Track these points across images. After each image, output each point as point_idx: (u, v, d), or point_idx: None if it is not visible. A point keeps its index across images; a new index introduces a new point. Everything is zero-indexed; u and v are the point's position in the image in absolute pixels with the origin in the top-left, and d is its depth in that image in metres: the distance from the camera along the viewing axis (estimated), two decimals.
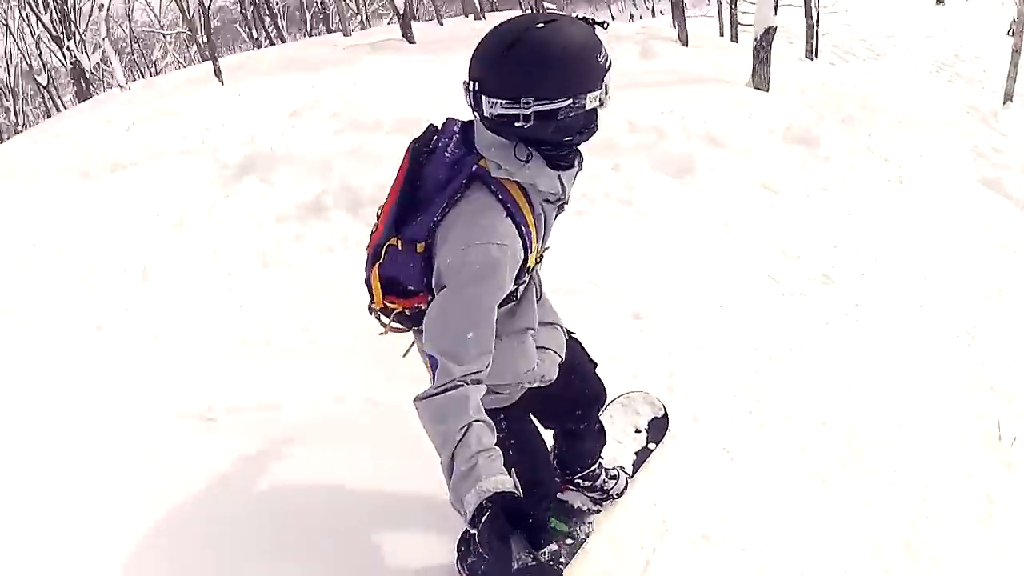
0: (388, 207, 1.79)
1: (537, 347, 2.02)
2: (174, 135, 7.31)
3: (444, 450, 1.51)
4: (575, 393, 2.30)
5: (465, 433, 1.49)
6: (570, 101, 1.56)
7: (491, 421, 1.56)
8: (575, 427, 2.46)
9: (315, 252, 4.58)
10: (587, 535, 2.55)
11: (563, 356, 2.14)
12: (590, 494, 2.66)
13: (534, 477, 2.08)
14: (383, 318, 1.90)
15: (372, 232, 1.87)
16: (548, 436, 2.50)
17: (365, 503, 2.70)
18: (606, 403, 2.53)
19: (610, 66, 1.61)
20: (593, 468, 2.61)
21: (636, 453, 2.83)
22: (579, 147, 1.75)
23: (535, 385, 2.05)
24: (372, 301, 1.87)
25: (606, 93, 1.61)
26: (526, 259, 1.71)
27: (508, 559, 1.37)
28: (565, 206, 1.82)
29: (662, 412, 2.96)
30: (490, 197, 1.65)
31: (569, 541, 2.53)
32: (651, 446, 2.86)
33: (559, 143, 1.67)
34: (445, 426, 1.52)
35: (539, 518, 1.46)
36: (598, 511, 2.63)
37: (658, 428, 2.92)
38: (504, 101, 1.55)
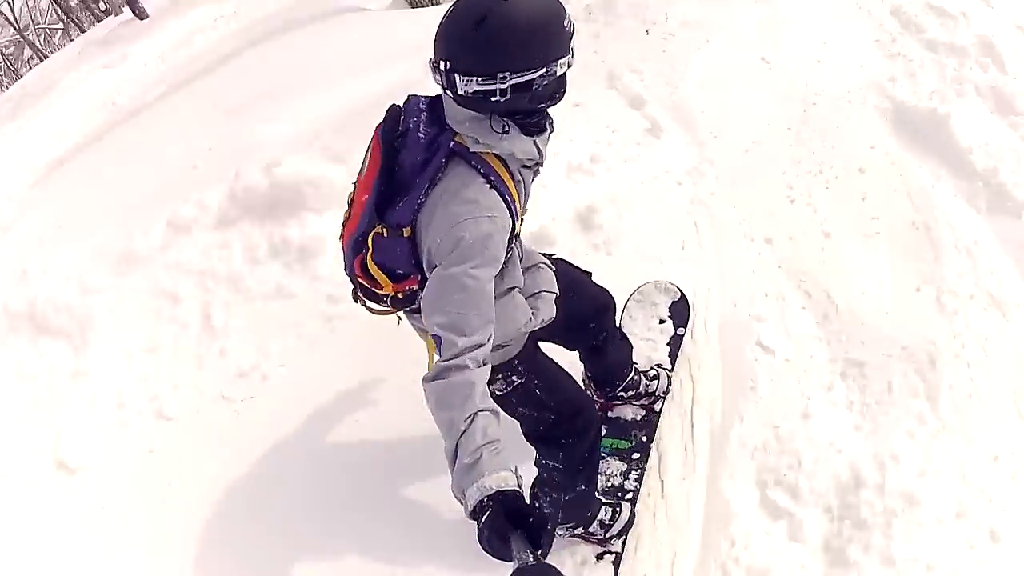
0: (362, 195, 1.77)
1: (529, 296, 2.02)
2: None
3: (449, 438, 1.51)
4: (581, 309, 2.28)
5: (470, 423, 1.49)
6: (544, 70, 1.58)
7: (498, 409, 1.56)
8: (595, 341, 2.43)
9: None
10: (651, 444, 2.56)
11: (556, 290, 2.12)
12: (638, 403, 2.66)
13: (572, 407, 2.13)
14: (369, 303, 1.92)
15: (345, 222, 1.85)
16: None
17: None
18: (617, 307, 2.49)
19: (574, 30, 1.62)
20: (631, 376, 2.60)
21: (668, 344, 2.79)
22: (551, 108, 1.75)
23: (538, 327, 2.05)
24: (356, 289, 1.91)
25: (572, 55, 1.63)
26: (514, 227, 1.73)
27: (508, 559, 1.36)
28: (540, 168, 1.83)
29: (679, 295, 2.89)
30: (471, 172, 1.66)
31: (636, 455, 2.54)
32: (680, 331, 2.82)
33: (533, 111, 1.69)
34: (450, 414, 1.51)
35: (539, 517, 1.40)
36: (654, 416, 2.63)
37: (680, 312, 2.86)
38: (480, 78, 1.56)
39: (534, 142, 1.73)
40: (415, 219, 1.69)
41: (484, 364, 1.59)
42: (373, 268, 1.78)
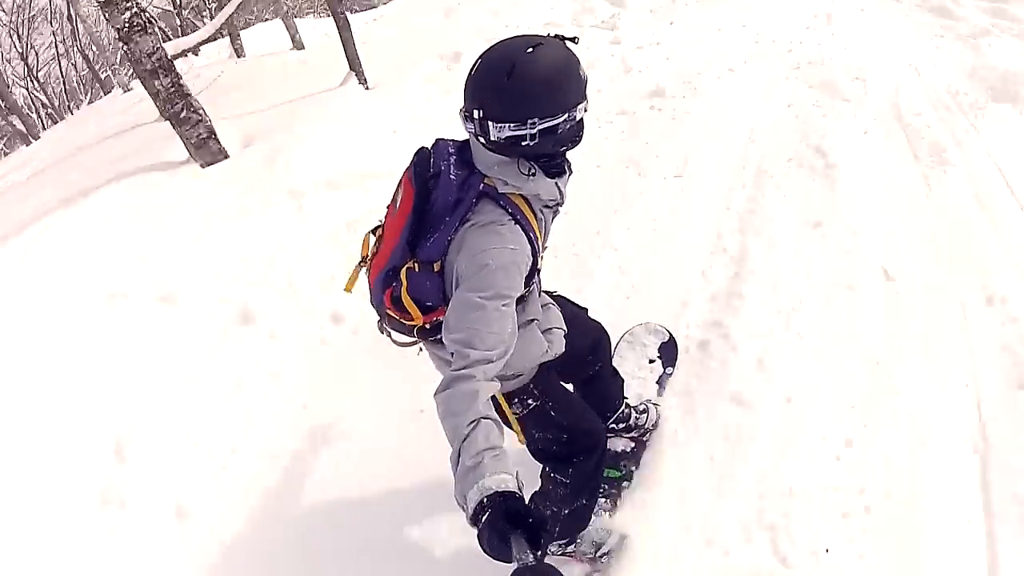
0: (395, 232, 1.91)
1: (543, 330, 2.16)
2: None
3: (453, 444, 1.58)
4: (579, 342, 2.40)
5: (473, 429, 1.55)
6: (566, 115, 1.74)
7: (499, 420, 1.63)
8: (591, 371, 2.59)
9: None
10: (637, 467, 2.75)
11: (565, 327, 2.28)
12: (627, 435, 2.82)
13: (583, 426, 2.27)
14: (394, 335, 2.07)
15: (372, 257, 2.01)
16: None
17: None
18: (610, 344, 2.67)
19: (587, 77, 1.78)
20: (621, 409, 2.76)
21: (657, 382, 2.97)
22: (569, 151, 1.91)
23: (551, 359, 2.21)
24: (382, 320, 2.05)
25: (587, 101, 1.79)
26: (535, 262, 1.87)
27: (508, 559, 1.39)
28: (560, 208, 1.98)
29: (667, 336, 3.09)
30: (499, 210, 1.80)
31: (625, 484, 2.71)
32: (668, 370, 3.00)
33: (556, 154, 1.85)
34: (455, 420, 1.58)
35: (539, 517, 1.45)
36: (642, 447, 2.81)
37: (669, 352, 3.05)
38: (511, 124, 1.71)
39: (556, 184, 1.89)
40: (445, 254, 1.82)
41: (492, 379, 1.67)
42: (407, 300, 1.90)
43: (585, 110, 1.79)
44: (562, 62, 1.73)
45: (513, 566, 1.37)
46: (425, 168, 1.90)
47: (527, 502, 1.63)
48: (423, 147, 1.95)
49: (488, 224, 1.77)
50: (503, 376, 1.94)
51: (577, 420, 2.26)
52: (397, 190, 1.95)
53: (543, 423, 2.21)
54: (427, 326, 1.94)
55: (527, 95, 1.70)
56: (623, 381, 2.78)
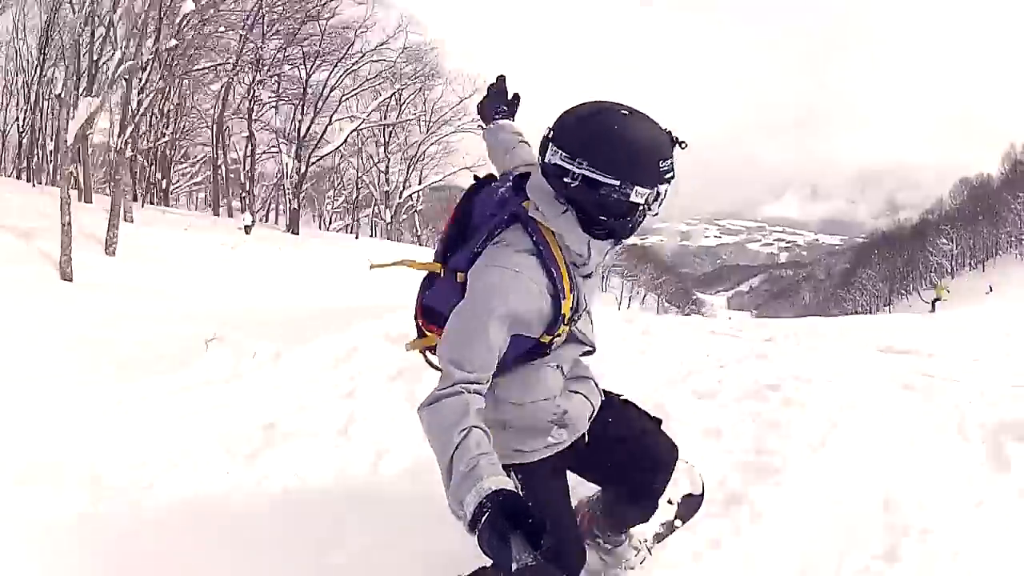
0: (440, 240, 1.96)
1: (570, 389, 2.01)
2: None
3: (443, 455, 1.53)
4: (632, 455, 2.18)
5: (464, 437, 1.52)
6: (617, 183, 1.66)
7: (490, 431, 1.57)
8: (632, 490, 2.28)
9: None
10: None
11: (595, 406, 2.08)
12: (604, 556, 2.52)
13: (562, 542, 1.93)
14: (423, 350, 2.04)
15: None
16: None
17: None
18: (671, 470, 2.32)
19: (670, 179, 1.71)
20: (621, 535, 2.47)
21: (661, 525, 2.70)
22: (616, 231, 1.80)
23: (564, 443, 2.00)
24: (419, 329, 2.04)
25: (656, 200, 1.71)
26: (559, 306, 1.76)
27: (508, 559, 1.36)
28: (591, 274, 1.88)
29: (700, 490, 2.83)
30: (525, 237, 1.77)
31: None
32: (678, 523, 2.73)
33: (594, 217, 1.75)
34: (444, 432, 1.55)
35: (538, 519, 1.37)
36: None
37: (690, 506, 2.79)
38: (563, 154, 1.68)
39: (588, 243, 1.79)
40: (469, 266, 1.78)
41: (479, 394, 1.63)
42: (418, 304, 1.96)
43: (647, 203, 1.70)
44: (643, 137, 1.68)
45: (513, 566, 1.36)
46: (484, 184, 1.95)
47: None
48: (490, 175, 2.02)
49: (507, 245, 1.76)
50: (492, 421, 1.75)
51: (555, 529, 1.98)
52: None
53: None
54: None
55: (590, 136, 1.67)
56: (648, 520, 2.43)
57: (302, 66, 21.94)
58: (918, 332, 7.03)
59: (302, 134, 20.42)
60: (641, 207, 1.71)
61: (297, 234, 18.68)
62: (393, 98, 28.33)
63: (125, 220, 13.53)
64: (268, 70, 20.64)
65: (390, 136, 30.13)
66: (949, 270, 58.61)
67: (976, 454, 3.16)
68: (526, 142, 2.30)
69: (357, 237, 22.61)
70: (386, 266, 2.12)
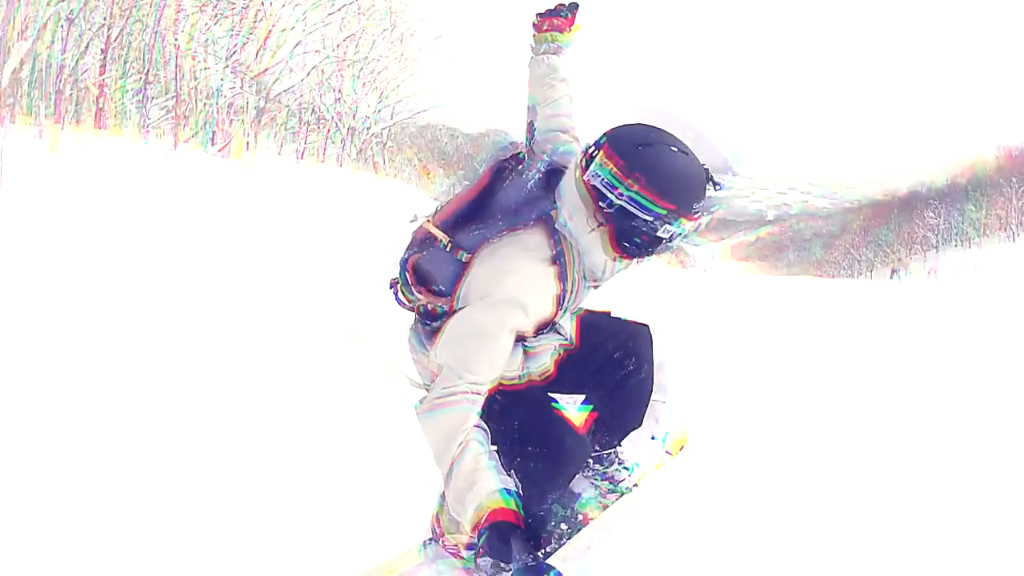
0: (454, 206, 1.90)
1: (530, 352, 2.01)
2: None
3: (441, 463, 1.59)
4: (608, 340, 2.19)
5: (463, 451, 1.56)
6: (651, 219, 1.69)
7: (485, 427, 1.63)
8: (622, 373, 2.25)
9: None
10: (579, 528, 2.42)
11: (568, 339, 2.06)
12: (596, 481, 2.56)
13: (559, 439, 2.00)
14: (401, 296, 2.00)
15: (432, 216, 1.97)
16: None
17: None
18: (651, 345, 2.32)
19: (700, 224, 1.75)
20: (610, 451, 2.49)
21: (650, 457, 2.82)
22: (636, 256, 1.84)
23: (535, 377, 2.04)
24: (399, 283, 1.98)
25: (682, 237, 1.76)
26: (557, 312, 1.81)
27: (508, 559, 1.40)
28: (598, 287, 1.94)
29: (683, 426, 2.95)
30: (547, 242, 1.77)
31: (563, 526, 2.40)
32: (666, 456, 2.86)
33: (619, 241, 1.78)
34: (444, 442, 1.58)
35: (538, 518, 1.52)
36: (599, 507, 2.53)
37: (676, 442, 2.91)
38: (605, 179, 1.69)
39: (607, 261, 1.83)
40: (478, 251, 1.78)
41: (480, 397, 1.67)
42: (410, 265, 1.89)
43: (672, 239, 1.74)
44: (687, 181, 1.71)
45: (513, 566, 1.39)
46: (510, 166, 1.89)
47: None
48: (517, 155, 1.96)
49: (530, 249, 1.75)
50: None
51: (549, 430, 2.01)
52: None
53: (500, 418, 1.90)
54: (430, 307, 1.88)
55: (638, 167, 1.67)
56: (640, 423, 2.46)
57: None
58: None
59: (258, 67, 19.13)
60: (664, 241, 1.75)
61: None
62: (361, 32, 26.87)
63: None
64: None
65: (360, 70, 28.61)
66: (935, 244, 58.90)
67: None
68: (568, 95, 2.25)
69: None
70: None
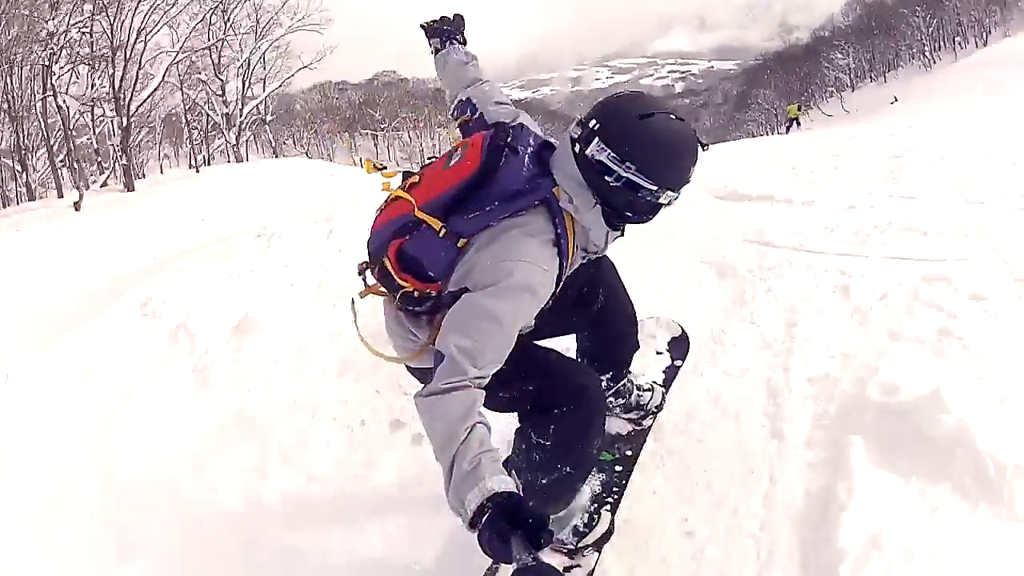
0: (442, 185, 1.82)
1: None
2: None
3: (445, 451, 1.54)
4: (572, 280, 2.07)
5: (468, 434, 1.53)
6: (655, 187, 1.72)
7: (489, 422, 1.59)
8: (596, 306, 2.29)
9: None
10: (634, 460, 2.44)
11: None
12: (626, 415, 2.57)
13: (568, 376, 2.01)
14: (371, 282, 1.97)
15: (392, 200, 1.91)
16: None
17: None
18: (616, 273, 2.38)
19: (691, 180, 1.77)
20: (624, 382, 2.50)
21: (664, 371, 2.74)
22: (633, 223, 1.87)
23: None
24: (371, 267, 1.93)
25: (677, 197, 1.77)
26: (554, 292, 1.78)
27: (508, 559, 1.38)
28: (592, 258, 1.95)
29: (680, 331, 2.87)
30: (549, 224, 1.75)
31: (618, 468, 2.42)
32: (677, 363, 2.78)
33: (620, 212, 1.80)
34: (448, 425, 1.55)
35: (539, 518, 1.39)
36: (641, 432, 2.54)
37: (679, 346, 2.83)
38: (612, 153, 1.70)
39: (607, 233, 1.84)
40: (476, 236, 1.74)
41: (483, 392, 1.63)
42: (393, 252, 1.85)
43: (668, 203, 1.77)
44: (687, 146, 1.73)
45: (513, 566, 1.37)
46: (499, 148, 1.81)
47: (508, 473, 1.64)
48: (504, 123, 1.90)
49: (534, 235, 1.72)
50: None
51: (558, 369, 2.04)
52: (458, 150, 1.87)
53: (511, 381, 1.84)
54: (416, 293, 1.84)
55: (643, 144, 1.70)
56: (637, 345, 2.51)
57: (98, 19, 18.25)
58: None
59: (117, 87, 17.69)
60: (664, 205, 1.77)
61: (133, 190, 16.60)
62: (217, 15, 24.68)
63: None
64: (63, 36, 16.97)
65: (220, 55, 26.61)
66: (849, 83, 59.54)
67: None
68: (476, 66, 2.32)
69: (198, 171, 20.21)
70: (385, 176, 2.03)
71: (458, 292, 1.73)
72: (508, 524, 1.40)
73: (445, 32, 2.37)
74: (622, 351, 2.47)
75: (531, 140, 1.85)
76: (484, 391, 1.63)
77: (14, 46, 16.95)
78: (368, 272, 1.97)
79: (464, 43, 2.38)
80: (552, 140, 1.91)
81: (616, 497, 2.32)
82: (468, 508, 1.45)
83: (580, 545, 2.18)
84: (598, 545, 2.18)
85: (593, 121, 1.72)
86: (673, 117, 1.72)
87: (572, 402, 1.94)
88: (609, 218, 1.80)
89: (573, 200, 1.75)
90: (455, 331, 1.64)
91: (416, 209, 1.82)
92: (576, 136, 1.75)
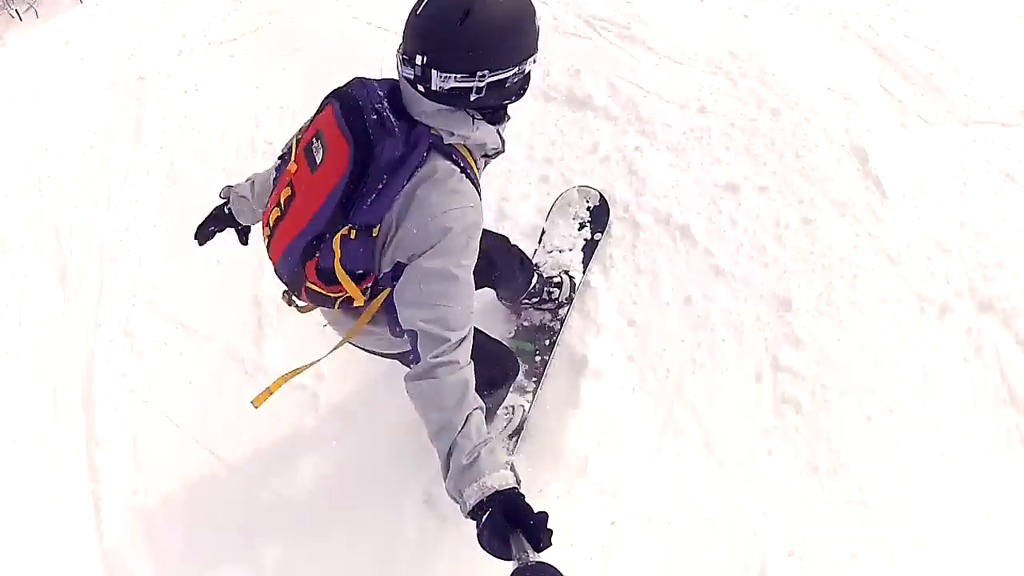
0: (320, 191, 1.63)
1: None
2: None
3: (440, 439, 1.51)
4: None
5: (465, 423, 1.50)
6: (517, 68, 1.59)
7: (484, 405, 1.57)
8: (492, 277, 2.41)
9: None
10: (552, 348, 2.70)
11: None
12: (542, 307, 2.77)
13: (500, 366, 2.26)
14: (299, 302, 1.89)
15: (276, 221, 1.74)
16: None
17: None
18: (507, 246, 2.49)
19: (539, 26, 1.63)
20: (533, 285, 2.65)
21: (583, 251, 2.85)
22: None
23: None
24: (292, 292, 1.85)
25: (538, 52, 1.64)
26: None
27: (508, 559, 1.37)
28: (499, 155, 1.84)
29: (598, 199, 2.89)
30: (449, 164, 1.62)
31: (537, 358, 2.70)
32: (596, 236, 2.87)
33: (499, 106, 1.70)
34: (443, 415, 1.51)
35: (539, 518, 1.40)
36: (558, 322, 2.76)
37: (599, 216, 2.88)
38: (458, 76, 1.54)
39: (497, 131, 1.74)
40: (387, 215, 1.61)
41: (470, 361, 1.59)
42: (342, 273, 1.68)
43: (535, 61, 1.64)
44: (519, 10, 1.57)
45: (513, 565, 1.35)
46: (358, 117, 1.61)
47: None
48: (343, 90, 1.68)
49: (444, 180, 1.60)
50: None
51: (493, 360, 2.18)
52: (314, 140, 1.67)
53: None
54: (348, 296, 1.76)
55: (480, 46, 1.53)
56: (533, 269, 2.65)
57: None
58: None
59: None
60: (532, 67, 1.66)
61: None
62: None
63: None
64: None
65: None
66: None
67: None
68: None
69: None
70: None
71: (396, 267, 1.66)
72: (508, 523, 1.39)
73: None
74: (520, 292, 2.63)
75: (379, 92, 1.66)
76: (469, 348, 1.60)
77: None
78: (294, 297, 1.90)
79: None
80: (393, 78, 1.73)
81: (535, 387, 2.63)
82: (466, 502, 1.44)
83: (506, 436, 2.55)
84: (514, 435, 2.56)
85: (418, 56, 1.54)
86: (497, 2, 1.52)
87: (502, 382, 2.26)
88: (491, 118, 1.71)
89: (454, 132, 1.64)
90: (413, 306, 1.58)
91: (307, 224, 1.69)
92: (411, 77, 1.58)
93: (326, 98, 1.70)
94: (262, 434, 2.83)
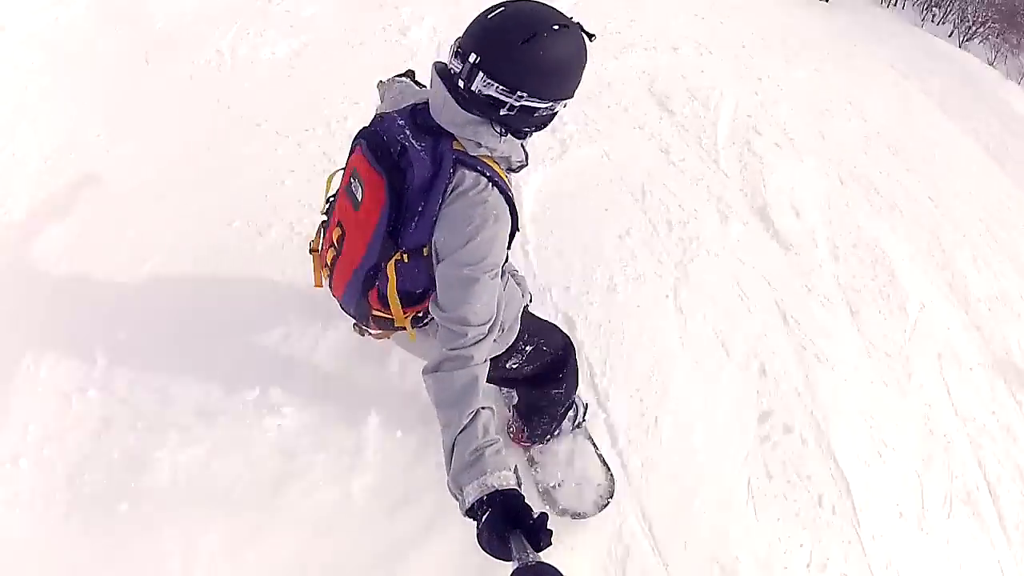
0: (367, 228, 1.75)
1: (516, 280, 2.23)
2: None
3: (447, 432, 1.53)
4: (537, 347, 2.28)
5: (471, 420, 1.51)
6: (550, 104, 1.68)
7: (494, 408, 1.58)
8: (542, 377, 2.38)
9: None
10: None
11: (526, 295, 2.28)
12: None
13: (562, 340, 2.34)
14: (370, 331, 2.03)
15: (331, 260, 1.89)
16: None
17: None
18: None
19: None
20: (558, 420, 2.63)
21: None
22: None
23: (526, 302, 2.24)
24: (360, 323, 2.00)
25: (573, 98, 1.74)
26: (515, 223, 1.76)
27: (508, 559, 1.37)
28: (523, 169, 1.88)
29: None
30: (477, 175, 1.68)
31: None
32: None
33: (519, 130, 1.76)
34: (452, 409, 1.53)
35: (539, 519, 1.39)
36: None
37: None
38: (500, 86, 1.61)
39: (522, 145, 1.82)
40: (431, 237, 1.70)
41: (486, 360, 1.63)
42: (392, 295, 1.78)
43: (565, 106, 1.73)
44: (576, 56, 1.66)
45: (513, 565, 1.35)
46: (386, 151, 1.72)
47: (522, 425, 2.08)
48: (368, 128, 1.79)
49: (468, 193, 1.67)
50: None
51: (557, 338, 2.31)
52: (352, 180, 1.79)
53: (539, 357, 2.23)
54: (419, 314, 1.87)
55: (531, 69, 1.61)
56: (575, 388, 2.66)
57: None
58: None
59: None
60: (561, 110, 1.73)
61: None
62: None
63: None
64: None
65: None
66: None
67: None
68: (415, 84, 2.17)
69: None
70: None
71: None
72: (508, 523, 1.38)
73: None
74: (551, 412, 2.56)
75: (399, 121, 1.74)
76: (487, 365, 1.63)
77: None
78: (365, 328, 2.00)
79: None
80: (414, 100, 1.82)
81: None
82: (466, 499, 1.44)
83: (577, 424, 2.66)
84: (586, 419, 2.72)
85: (473, 55, 1.59)
86: (557, 28, 1.59)
87: (571, 359, 2.36)
88: (516, 134, 1.76)
89: (482, 144, 1.68)
90: (441, 308, 1.64)
91: (363, 258, 1.80)
92: (457, 71, 1.63)
93: (355, 139, 1.80)
94: None
